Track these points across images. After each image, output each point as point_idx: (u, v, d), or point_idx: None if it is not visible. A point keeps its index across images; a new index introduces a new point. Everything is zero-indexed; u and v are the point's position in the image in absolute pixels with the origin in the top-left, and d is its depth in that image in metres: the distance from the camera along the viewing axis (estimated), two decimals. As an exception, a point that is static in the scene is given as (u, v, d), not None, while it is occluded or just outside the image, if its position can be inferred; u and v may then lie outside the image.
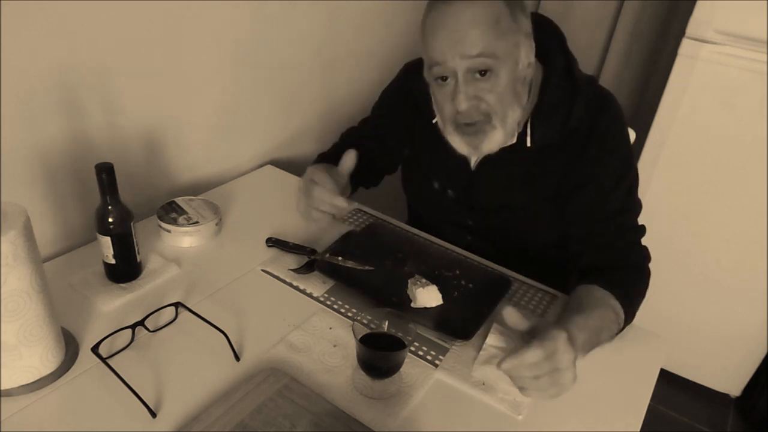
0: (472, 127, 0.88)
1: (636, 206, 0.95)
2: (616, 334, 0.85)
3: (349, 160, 0.97)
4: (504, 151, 0.97)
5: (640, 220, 0.96)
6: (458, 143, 0.92)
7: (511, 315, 0.72)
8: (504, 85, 0.85)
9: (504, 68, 0.84)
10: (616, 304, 0.85)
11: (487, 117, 0.87)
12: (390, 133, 1.13)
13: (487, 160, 1.00)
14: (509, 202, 1.02)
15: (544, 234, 1.04)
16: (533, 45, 0.89)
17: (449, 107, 0.87)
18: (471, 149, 0.91)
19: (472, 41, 0.80)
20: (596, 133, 0.92)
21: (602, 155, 0.92)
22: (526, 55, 0.87)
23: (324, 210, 0.93)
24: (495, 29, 0.81)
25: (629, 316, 0.87)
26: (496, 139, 0.89)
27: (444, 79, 0.85)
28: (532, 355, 0.66)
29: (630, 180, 0.94)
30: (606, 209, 0.93)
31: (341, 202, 0.91)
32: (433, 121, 1.01)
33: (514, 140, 0.95)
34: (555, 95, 0.92)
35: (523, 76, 0.89)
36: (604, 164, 0.93)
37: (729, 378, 1.82)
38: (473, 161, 1.02)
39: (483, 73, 0.83)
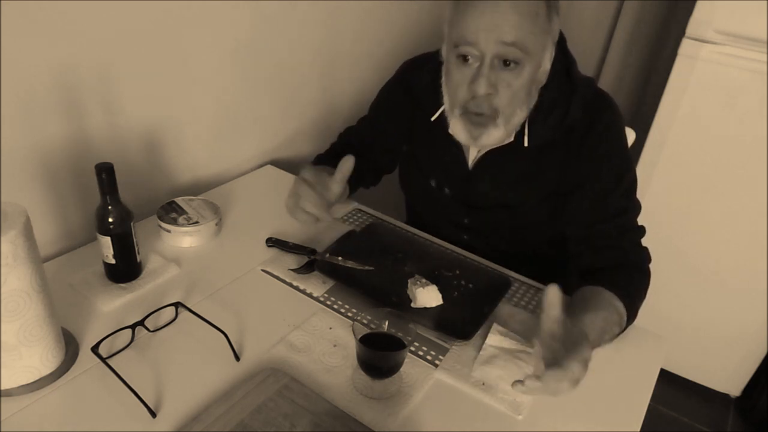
0: (478, 117, 0.87)
1: (635, 207, 0.95)
2: (618, 334, 0.85)
3: (346, 166, 0.93)
4: (501, 150, 0.97)
5: (640, 220, 0.96)
6: (459, 129, 0.91)
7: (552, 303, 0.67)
8: (522, 83, 0.84)
9: (529, 65, 0.83)
10: (620, 306, 0.85)
11: (495, 113, 0.86)
12: (389, 129, 1.13)
13: (485, 159, 1.00)
14: (505, 201, 1.02)
15: (541, 233, 1.04)
16: (554, 53, 0.88)
17: (464, 91, 0.86)
18: (470, 138, 0.91)
19: (511, 28, 0.79)
20: (594, 133, 0.92)
21: (600, 156, 0.92)
22: (548, 59, 0.87)
23: (308, 212, 0.92)
24: (533, 23, 0.81)
25: (631, 317, 0.87)
26: (495, 137, 0.90)
27: (466, 59, 0.84)
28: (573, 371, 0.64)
29: (629, 180, 0.95)
30: (605, 210, 0.93)
31: (324, 216, 0.90)
32: (432, 118, 1.01)
33: (512, 139, 0.95)
34: (553, 95, 0.92)
35: (540, 81, 0.89)
36: (602, 165, 0.93)
37: (729, 378, 1.82)
38: (470, 160, 1.02)
39: (508, 63, 0.82)
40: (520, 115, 0.89)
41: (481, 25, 0.80)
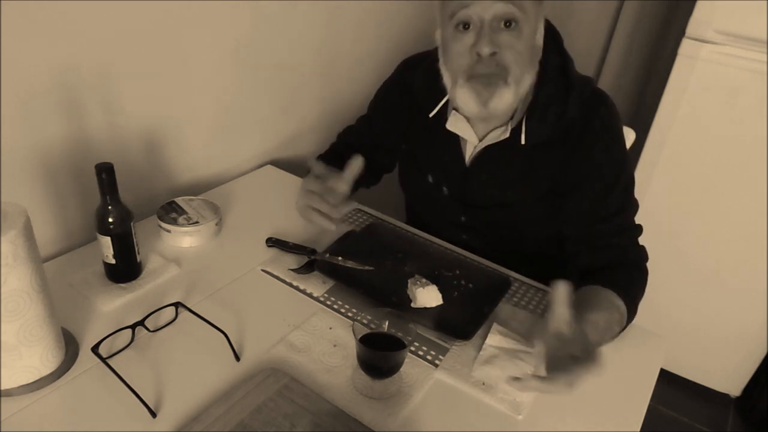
0: (486, 78, 0.86)
1: (633, 205, 0.95)
2: (618, 333, 0.85)
3: (356, 165, 0.93)
4: (498, 147, 0.97)
5: (639, 220, 0.96)
6: (467, 97, 0.89)
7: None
8: (524, 44, 0.85)
9: (527, 26, 0.84)
10: (621, 305, 0.85)
11: (504, 71, 0.85)
12: (387, 129, 1.13)
13: (482, 157, 1.00)
14: (502, 199, 1.02)
15: (539, 232, 1.04)
16: (543, 30, 0.89)
17: (467, 57, 0.85)
18: (479, 104, 0.88)
19: None
20: (591, 131, 0.92)
21: (597, 155, 0.93)
22: (540, 33, 0.88)
23: (318, 213, 0.93)
24: None
25: (631, 316, 0.87)
26: (506, 99, 0.87)
27: (466, 27, 0.84)
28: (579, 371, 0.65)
29: (626, 179, 0.95)
30: (604, 210, 0.93)
31: (335, 215, 0.91)
32: (430, 115, 1.01)
33: (507, 135, 0.95)
34: (549, 93, 0.92)
35: (539, 47, 0.89)
36: (599, 164, 0.93)
37: (729, 378, 1.82)
38: (467, 157, 1.02)
39: (508, 24, 0.83)
40: (528, 79, 0.89)
41: None
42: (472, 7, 0.82)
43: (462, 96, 0.89)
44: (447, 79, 0.93)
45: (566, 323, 0.67)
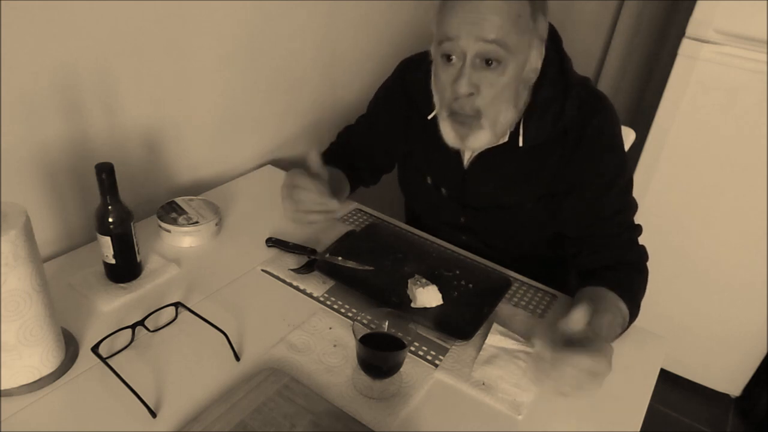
0: (462, 117, 0.87)
1: (632, 206, 0.95)
2: (620, 334, 0.85)
3: (313, 160, 0.94)
4: (496, 150, 0.97)
5: (639, 220, 0.96)
6: (448, 130, 0.91)
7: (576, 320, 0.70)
8: (506, 82, 0.84)
9: (512, 64, 0.83)
10: (623, 306, 0.85)
11: (477, 114, 0.86)
12: (386, 129, 1.13)
13: (480, 159, 1.00)
14: (501, 201, 1.02)
15: (538, 233, 1.04)
16: (543, 51, 0.88)
17: (448, 90, 0.86)
18: (458, 140, 0.91)
19: (491, 26, 0.80)
20: (589, 133, 0.91)
21: (596, 155, 0.92)
22: (536, 58, 0.87)
23: (316, 211, 0.93)
24: (515, 23, 0.81)
25: (633, 316, 0.87)
26: (482, 139, 0.89)
27: (450, 59, 0.84)
28: (586, 361, 0.66)
29: (625, 180, 0.95)
30: (603, 210, 0.93)
31: (332, 204, 0.91)
32: (429, 117, 1.01)
33: (506, 139, 0.95)
34: (547, 95, 0.91)
35: (528, 79, 0.88)
36: (598, 164, 0.93)
37: (729, 378, 1.82)
38: (466, 159, 1.02)
39: (490, 62, 0.82)
40: (507, 115, 0.89)
41: (462, 23, 0.81)
42: (455, 41, 0.82)
43: (444, 128, 0.92)
44: (436, 102, 0.93)
45: (580, 323, 0.69)
